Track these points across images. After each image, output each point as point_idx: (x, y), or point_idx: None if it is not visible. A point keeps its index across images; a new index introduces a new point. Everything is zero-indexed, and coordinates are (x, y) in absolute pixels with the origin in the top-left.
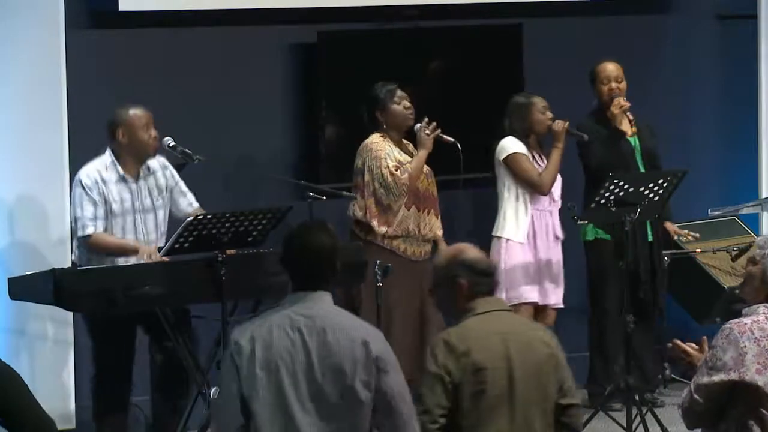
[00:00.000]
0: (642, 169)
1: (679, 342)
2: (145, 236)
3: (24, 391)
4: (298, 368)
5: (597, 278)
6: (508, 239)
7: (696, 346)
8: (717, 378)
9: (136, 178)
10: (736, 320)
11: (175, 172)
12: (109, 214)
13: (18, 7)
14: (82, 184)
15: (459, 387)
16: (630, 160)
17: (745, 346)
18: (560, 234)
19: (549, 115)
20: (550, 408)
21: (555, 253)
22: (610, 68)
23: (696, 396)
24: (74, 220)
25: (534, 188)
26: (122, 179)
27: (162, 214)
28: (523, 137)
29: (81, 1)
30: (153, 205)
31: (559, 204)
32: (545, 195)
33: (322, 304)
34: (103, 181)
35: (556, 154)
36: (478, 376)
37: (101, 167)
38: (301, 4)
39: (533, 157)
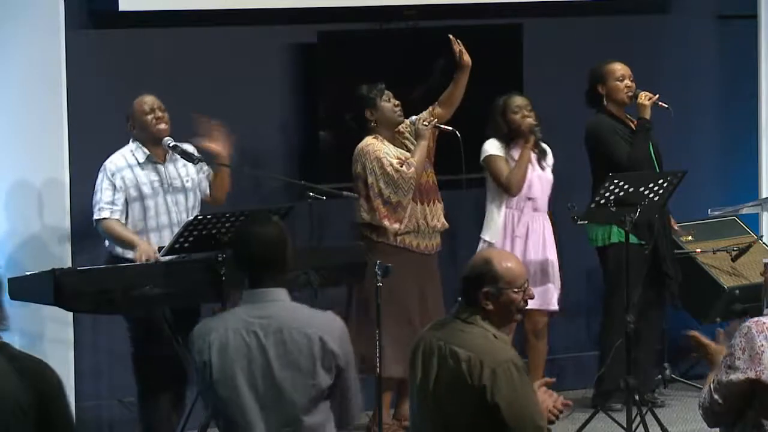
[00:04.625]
0: (656, 166)
1: (697, 333)
2: (178, 216)
3: (62, 400)
4: (255, 370)
5: (618, 281)
6: (486, 240)
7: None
8: (735, 377)
9: (164, 160)
10: (755, 319)
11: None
12: (139, 198)
13: (18, 7)
14: (106, 170)
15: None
16: (650, 158)
17: (762, 345)
18: (548, 235)
19: (524, 113)
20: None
21: (536, 253)
22: (621, 66)
23: (716, 396)
24: (93, 204)
25: (503, 189)
26: (149, 160)
27: (193, 195)
28: (502, 138)
29: (81, 1)
30: (183, 186)
31: (538, 203)
32: (513, 195)
33: (277, 302)
34: (130, 167)
35: (524, 153)
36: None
37: (127, 153)
38: (301, 4)
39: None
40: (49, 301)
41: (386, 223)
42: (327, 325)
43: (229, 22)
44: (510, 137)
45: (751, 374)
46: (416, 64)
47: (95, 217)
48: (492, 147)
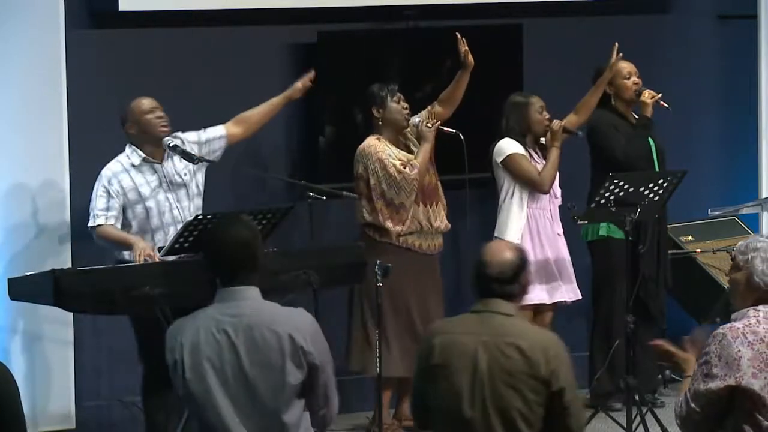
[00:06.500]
0: (657, 166)
1: (661, 342)
2: (181, 212)
3: (16, 401)
4: (227, 368)
5: (604, 277)
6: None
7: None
8: (713, 385)
9: (162, 159)
10: (728, 325)
11: (187, 136)
12: (139, 200)
13: (18, 7)
14: (101, 177)
15: (425, 375)
16: (649, 156)
17: (739, 351)
18: (560, 230)
19: (546, 115)
20: (535, 415)
21: (560, 249)
22: (627, 64)
23: (693, 405)
24: (89, 212)
25: (534, 187)
26: (146, 161)
27: (194, 186)
28: (519, 137)
29: (81, 1)
30: (183, 180)
31: (560, 201)
32: (546, 193)
33: (248, 300)
34: (126, 170)
35: (555, 153)
36: (438, 371)
37: (122, 158)
38: (301, 4)
39: (531, 156)
40: (49, 301)
41: (389, 224)
42: (296, 322)
43: (229, 22)
44: (524, 136)
45: (731, 381)
46: (416, 64)
47: (90, 224)
48: (511, 146)
